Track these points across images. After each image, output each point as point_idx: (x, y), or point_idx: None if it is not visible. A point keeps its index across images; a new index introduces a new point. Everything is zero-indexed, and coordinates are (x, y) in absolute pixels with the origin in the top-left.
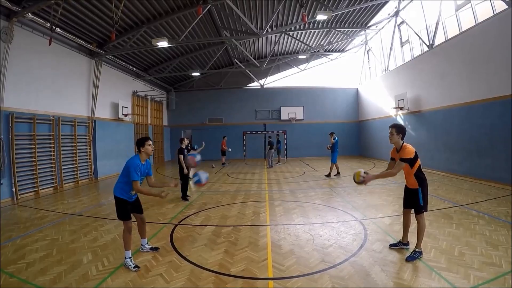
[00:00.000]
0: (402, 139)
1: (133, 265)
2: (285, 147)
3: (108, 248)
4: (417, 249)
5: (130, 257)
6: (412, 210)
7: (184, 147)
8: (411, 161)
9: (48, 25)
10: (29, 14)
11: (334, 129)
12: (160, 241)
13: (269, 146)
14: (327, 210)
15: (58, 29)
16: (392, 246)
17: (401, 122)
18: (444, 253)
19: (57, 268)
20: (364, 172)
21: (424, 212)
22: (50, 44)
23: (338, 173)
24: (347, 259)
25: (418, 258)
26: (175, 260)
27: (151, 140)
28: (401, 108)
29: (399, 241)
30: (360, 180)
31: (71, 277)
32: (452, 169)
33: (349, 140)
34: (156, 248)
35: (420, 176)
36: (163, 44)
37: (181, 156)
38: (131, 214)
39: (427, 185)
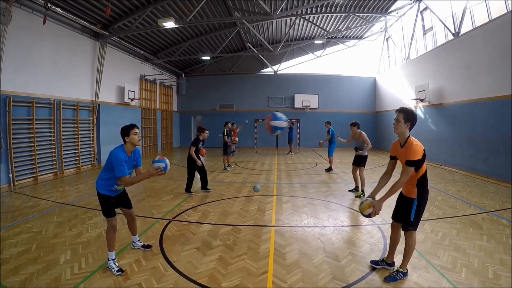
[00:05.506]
0: (410, 129)
1: (116, 269)
2: (298, 137)
3: (90, 246)
4: (401, 270)
5: (113, 259)
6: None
7: (201, 139)
8: (418, 163)
9: (48, 4)
10: None
11: (350, 119)
12: (148, 240)
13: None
14: (341, 210)
15: (59, 10)
16: (372, 263)
17: (421, 115)
18: (477, 274)
19: (31, 267)
20: (371, 199)
21: (414, 231)
22: (44, 23)
23: (330, 168)
24: (363, 278)
25: (401, 279)
26: (160, 266)
27: (137, 128)
28: (421, 100)
29: (383, 259)
30: (368, 213)
31: (42, 279)
32: (475, 169)
33: (365, 131)
34: (148, 246)
35: (422, 187)
36: (169, 24)
37: (193, 148)
38: (118, 208)
39: (427, 200)
